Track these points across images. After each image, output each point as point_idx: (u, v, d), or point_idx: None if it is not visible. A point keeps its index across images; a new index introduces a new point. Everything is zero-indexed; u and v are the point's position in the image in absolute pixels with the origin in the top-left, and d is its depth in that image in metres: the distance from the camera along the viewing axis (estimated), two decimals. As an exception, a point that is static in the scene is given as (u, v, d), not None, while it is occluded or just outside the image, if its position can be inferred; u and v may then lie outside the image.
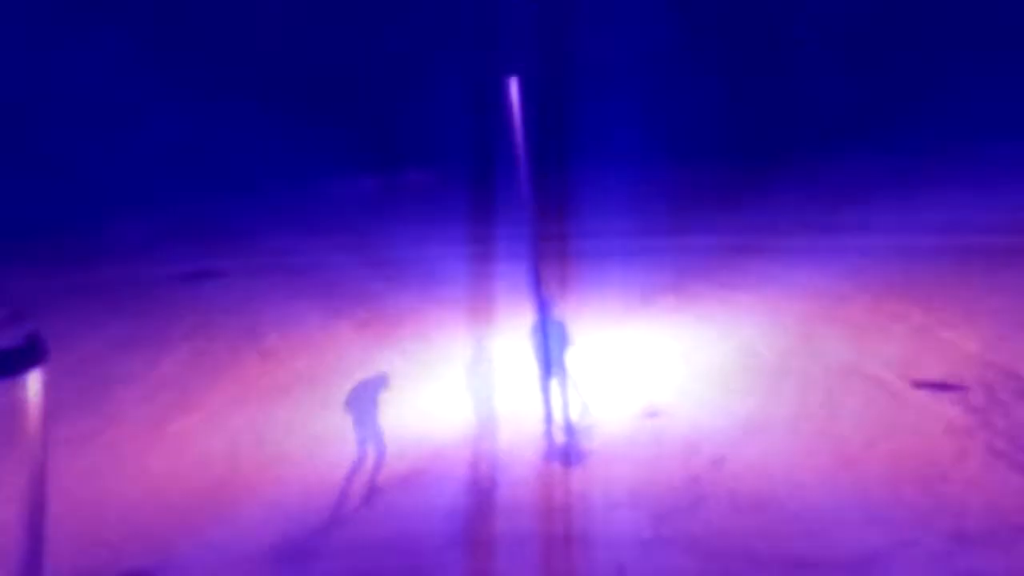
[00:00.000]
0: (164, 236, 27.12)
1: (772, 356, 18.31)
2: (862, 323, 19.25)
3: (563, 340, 15.90)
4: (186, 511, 14.68)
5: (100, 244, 26.93)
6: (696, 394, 17.17)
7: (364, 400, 15.32)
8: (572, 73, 29.61)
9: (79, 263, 25.60)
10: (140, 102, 31.28)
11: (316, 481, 15.33)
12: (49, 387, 9.43)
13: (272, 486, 15.31)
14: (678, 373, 17.95)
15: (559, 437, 15.46)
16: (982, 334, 18.23)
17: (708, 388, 17.33)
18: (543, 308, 15.76)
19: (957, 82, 29.80)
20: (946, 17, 30.48)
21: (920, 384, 16.74)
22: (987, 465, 14.09)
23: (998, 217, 23.29)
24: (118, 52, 31.14)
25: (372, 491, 14.86)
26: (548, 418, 15.55)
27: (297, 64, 32.75)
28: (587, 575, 12.66)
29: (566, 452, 15.29)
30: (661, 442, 15.75)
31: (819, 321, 19.53)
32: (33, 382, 9.34)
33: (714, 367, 18.02)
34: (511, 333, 18.08)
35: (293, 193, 28.84)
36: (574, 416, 15.87)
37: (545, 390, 15.51)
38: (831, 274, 21.39)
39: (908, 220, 23.71)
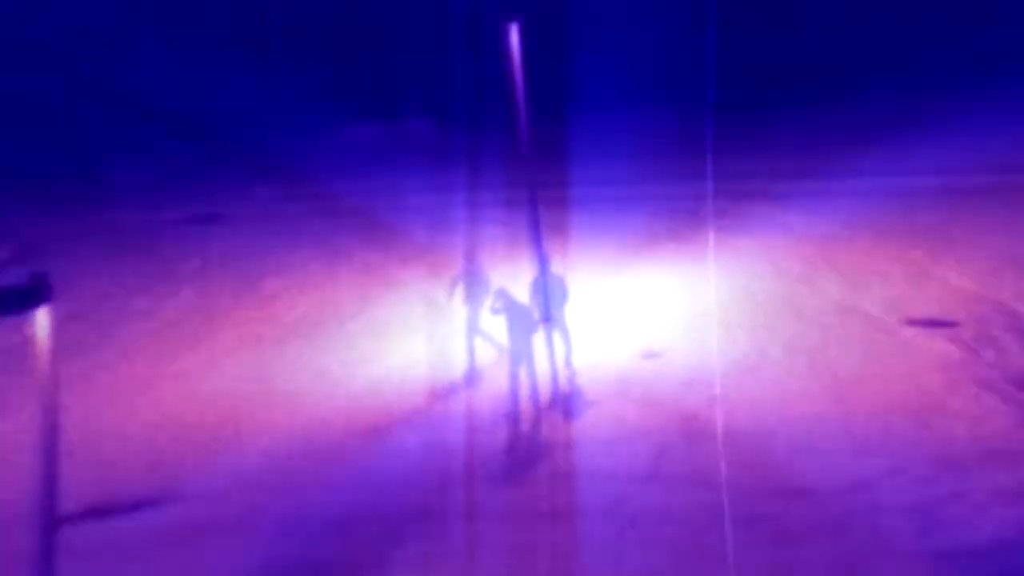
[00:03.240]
0: (165, 181, 27.14)
1: (768, 297, 18.53)
2: (858, 264, 19.44)
3: (562, 293, 16.03)
4: (192, 443, 14.96)
5: (101, 188, 26.99)
6: (693, 335, 17.38)
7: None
8: (569, 17, 29.46)
9: (81, 207, 25.67)
10: (142, 48, 31.20)
11: (321, 419, 15.58)
12: (56, 326, 9.59)
13: (274, 421, 15.58)
14: (675, 315, 18.14)
15: (559, 382, 15.66)
16: (976, 271, 18.44)
17: (705, 329, 17.50)
18: (542, 260, 15.93)
19: (959, 24, 29.69)
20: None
21: (913, 321, 16.98)
22: (976, 397, 14.38)
23: (995, 156, 23.34)
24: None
25: (377, 429, 15.12)
26: (551, 363, 15.72)
27: (296, 10, 32.59)
28: (587, 510, 12.91)
29: (566, 396, 15.52)
30: (658, 382, 16.00)
31: (816, 263, 19.72)
32: (40, 319, 9.51)
33: (711, 309, 18.17)
34: (513, 282, 18.25)
35: (292, 140, 28.78)
36: (572, 363, 16.02)
37: (547, 338, 15.69)
38: (828, 217, 21.50)
39: (904, 162, 23.73)
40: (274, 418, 15.68)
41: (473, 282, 16.45)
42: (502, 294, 15.48)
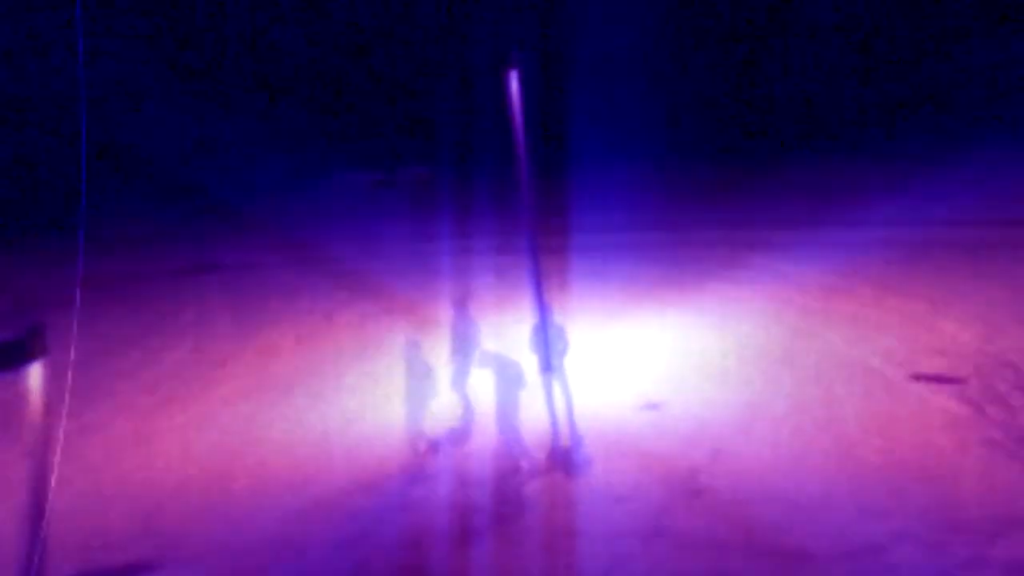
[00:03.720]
0: (164, 231, 27.13)
1: (770, 349, 18.37)
2: (860, 316, 19.31)
3: (562, 342, 15.86)
4: (188, 504, 14.72)
5: (101, 238, 26.92)
6: (694, 387, 17.23)
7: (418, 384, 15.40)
8: (569, 68, 29.64)
9: (80, 256, 25.55)
10: (142, 97, 31.33)
11: (317, 474, 15.37)
12: (50, 380, 9.43)
13: (273, 479, 15.36)
14: (676, 366, 18.00)
15: (559, 434, 15.46)
16: (980, 326, 18.31)
17: (706, 381, 17.40)
18: (543, 309, 15.79)
19: (957, 83, 29.90)
20: (942, 17, 30.55)
21: (918, 376, 16.81)
22: (984, 456, 14.17)
23: (995, 211, 23.36)
24: (120, 48, 31.17)
25: (373, 486, 14.92)
26: (551, 415, 15.53)
27: (295, 61, 32.79)
28: (586, 569, 12.68)
29: (567, 449, 15.32)
30: (659, 435, 15.81)
31: (817, 314, 19.60)
32: (34, 375, 9.36)
33: (712, 360, 18.09)
34: (512, 330, 18.12)
35: (291, 188, 28.86)
36: (573, 415, 15.82)
37: (547, 389, 15.50)
38: (829, 268, 21.44)
39: (906, 215, 23.76)
40: (269, 474, 15.45)
41: (465, 334, 16.29)
42: (486, 352, 15.40)
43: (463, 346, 16.22)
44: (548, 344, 15.60)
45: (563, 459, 15.10)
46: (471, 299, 17.48)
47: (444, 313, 18.04)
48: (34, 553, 9.34)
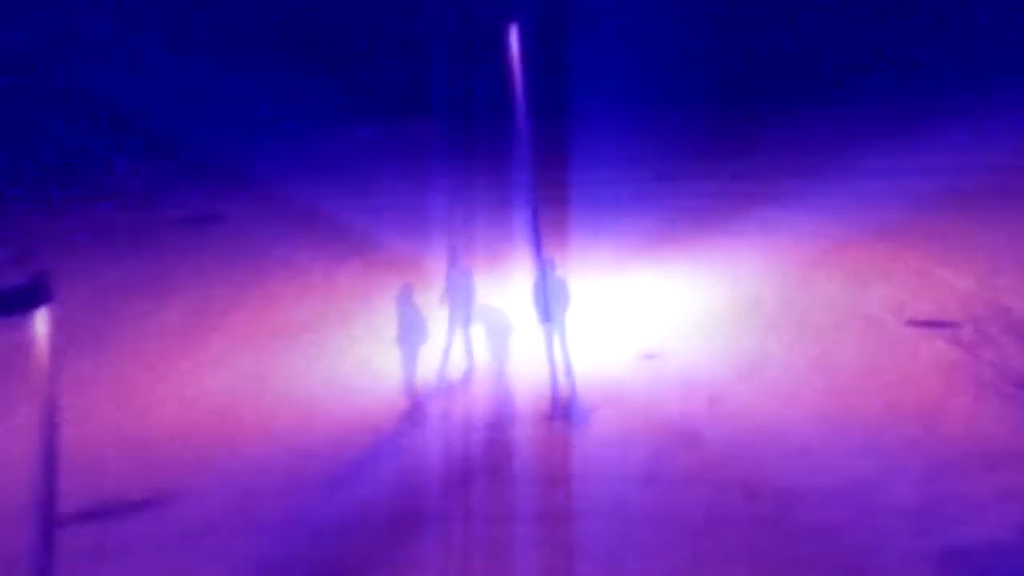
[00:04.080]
0: (167, 180, 27.13)
1: (767, 299, 18.48)
2: (858, 265, 19.38)
3: (563, 295, 15.98)
4: (191, 446, 14.98)
5: (106, 187, 27.01)
6: (693, 336, 17.38)
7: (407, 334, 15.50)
8: (567, 16, 29.43)
9: (85, 205, 25.70)
10: (146, 48, 31.18)
11: (319, 419, 15.60)
12: (57, 326, 9.58)
13: (276, 424, 15.57)
14: (675, 317, 18.11)
15: (558, 383, 15.63)
16: (975, 272, 18.40)
17: (705, 330, 17.53)
18: (542, 261, 15.91)
19: (957, 26, 29.64)
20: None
21: (913, 322, 16.96)
22: (976, 396, 14.37)
23: (994, 158, 23.29)
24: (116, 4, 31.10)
25: (377, 432, 15.11)
26: (549, 365, 15.69)
27: (297, 12, 32.59)
28: (585, 509, 12.89)
29: (567, 400, 15.50)
30: (658, 383, 15.99)
31: (816, 264, 19.66)
32: (40, 320, 9.49)
33: (711, 310, 18.20)
34: (513, 282, 18.24)
35: (294, 141, 28.78)
36: (572, 365, 15.96)
37: (548, 342, 15.65)
38: (828, 218, 21.43)
39: (906, 164, 23.67)
40: (272, 419, 15.68)
41: (458, 286, 16.43)
42: (482, 303, 15.48)
43: (457, 297, 16.35)
44: (547, 295, 15.76)
45: (561, 407, 15.30)
46: (463, 251, 17.59)
47: (441, 264, 18.16)
48: (41, 491, 9.53)
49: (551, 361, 15.54)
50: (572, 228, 21.48)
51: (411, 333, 15.69)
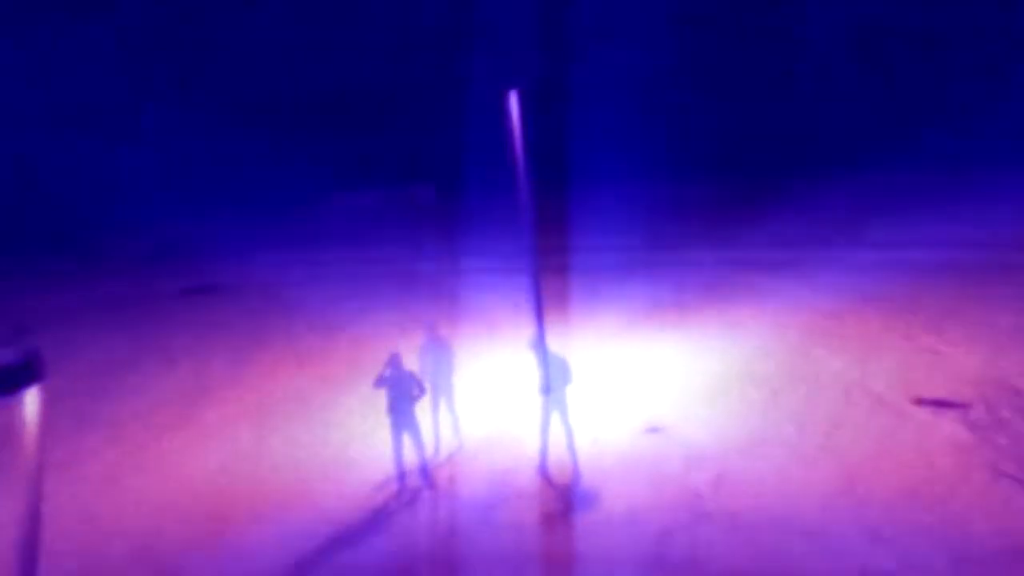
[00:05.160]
0: (164, 252, 27.06)
1: (773, 372, 18.25)
2: (863, 339, 19.19)
3: (564, 370, 15.71)
4: (186, 531, 14.57)
5: (99, 260, 26.88)
6: (696, 410, 17.10)
7: (399, 400, 15.17)
8: (573, 89, 29.61)
9: (78, 279, 25.55)
10: (141, 120, 31.28)
11: (316, 498, 15.24)
12: (47, 404, 9.32)
13: (271, 504, 15.22)
14: (679, 389, 17.87)
15: (561, 458, 15.34)
16: (984, 350, 18.19)
17: (709, 405, 17.27)
18: (542, 332, 15.69)
19: (961, 103, 29.81)
20: (948, 41, 30.44)
21: (922, 401, 16.67)
22: (990, 484, 14.01)
23: (1000, 234, 23.24)
24: (118, 70, 31.19)
25: (368, 511, 14.77)
26: (544, 440, 15.41)
27: (296, 81, 32.79)
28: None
29: (567, 472, 15.20)
30: (662, 459, 15.67)
31: (820, 337, 19.48)
32: (31, 400, 9.25)
33: (715, 383, 17.96)
34: (511, 352, 18.02)
35: (293, 208, 28.80)
36: (573, 440, 15.68)
37: (545, 415, 15.38)
38: (832, 289, 21.33)
39: (911, 236, 23.66)
40: (264, 500, 15.31)
41: (437, 357, 16.14)
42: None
43: (436, 370, 16.04)
44: (547, 366, 15.51)
45: (561, 484, 14.98)
46: (444, 321, 17.40)
47: (449, 331, 17.96)
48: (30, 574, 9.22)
49: (544, 435, 15.25)
50: (573, 297, 21.37)
51: (402, 403, 15.29)
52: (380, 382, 15.26)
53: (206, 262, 25.40)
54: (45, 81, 31.42)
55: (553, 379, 15.31)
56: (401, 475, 15.23)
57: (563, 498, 14.78)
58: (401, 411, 15.14)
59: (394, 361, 15.37)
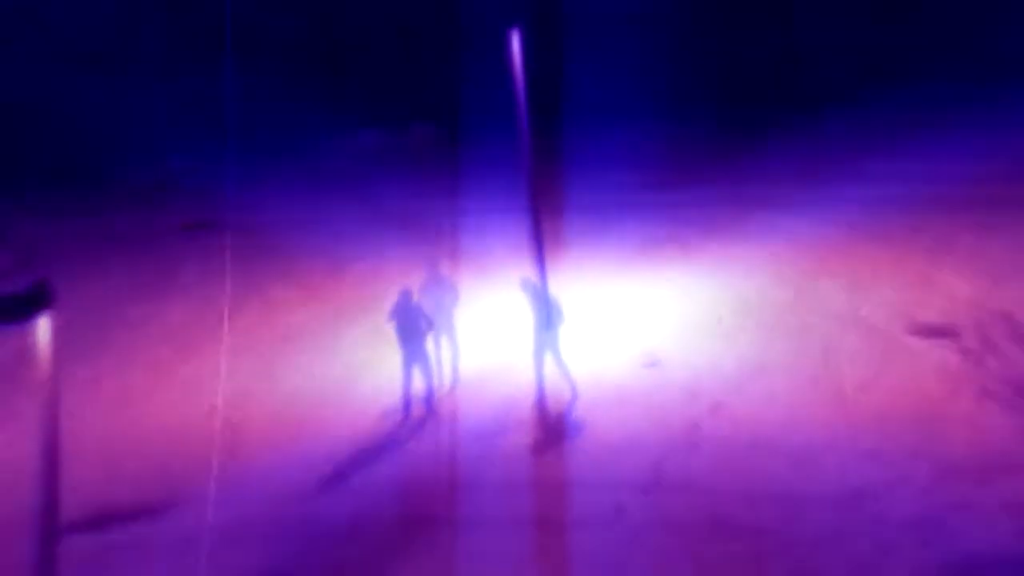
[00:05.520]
0: (167, 186, 27.12)
1: (769, 305, 18.44)
2: (860, 272, 19.31)
3: (556, 312, 15.91)
4: (196, 451, 14.94)
5: (105, 192, 26.98)
6: (694, 343, 17.35)
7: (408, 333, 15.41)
8: (567, 24, 29.41)
9: (84, 211, 25.68)
10: (140, 53, 31.15)
11: (322, 426, 15.62)
12: (57, 332, 9.60)
13: (275, 430, 15.59)
14: (677, 323, 18.07)
15: (559, 390, 15.62)
16: (978, 279, 18.31)
17: (706, 337, 17.51)
18: (543, 270, 15.91)
19: (965, 26, 29.49)
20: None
21: (916, 329, 16.92)
22: (978, 404, 14.35)
23: (997, 165, 23.24)
24: (122, 7, 31.03)
25: (377, 438, 15.11)
26: (540, 373, 15.68)
27: (295, 18, 32.56)
28: (586, 517, 12.87)
29: (564, 404, 15.50)
30: (660, 389, 15.98)
31: (817, 270, 19.59)
32: (42, 327, 9.53)
33: (712, 317, 18.16)
34: (511, 290, 18.21)
35: (294, 147, 28.77)
36: (570, 373, 15.92)
37: (544, 348, 15.62)
38: (830, 224, 21.34)
39: (908, 169, 23.62)
40: (271, 427, 15.70)
41: (440, 295, 16.39)
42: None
43: (438, 309, 16.27)
44: (548, 303, 15.76)
45: (558, 414, 15.29)
46: (448, 260, 17.60)
47: (450, 269, 18.18)
48: (43, 499, 9.55)
49: (538, 368, 15.57)
50: (572, 235, 21.48)
51: (411, 336, 15.58)
52: (392, 315, 15.59)
53: (208, 199, 25.41)
54: (46, 19, 31.33)
55: (542, 318, 15.50)
56: (407, 404, 15.56)
57: (560, 427, 15.11)
58: (410, 343, 15.43)
59: (404, 296, 15.65)
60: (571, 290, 18.68)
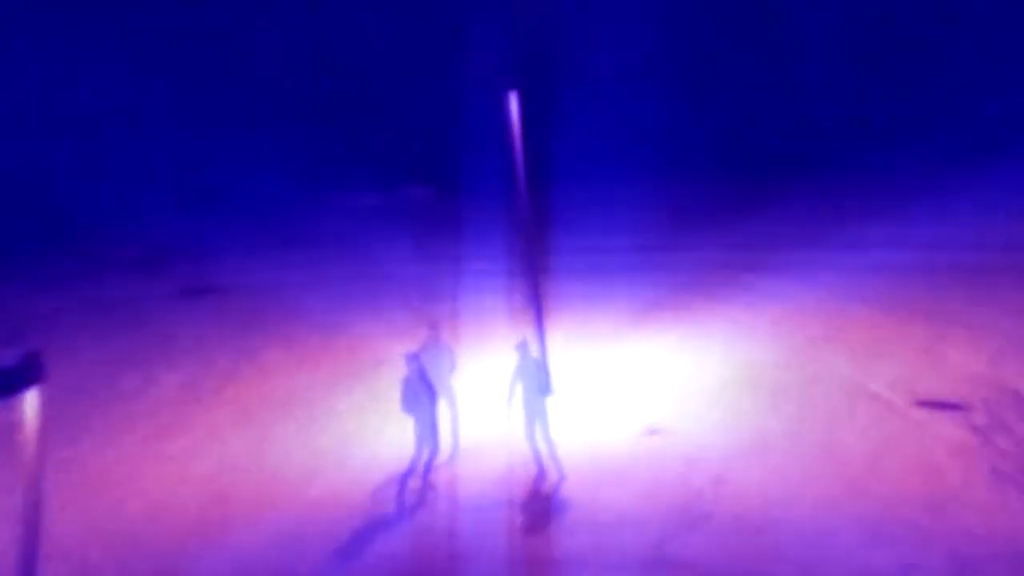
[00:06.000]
0: (160, 254, 26.98)
1: (772, 374, 18.24)
2: (864, 341, 19.19)
3: (544, 379, 15.61)
4: (185, 533, 14.56)
5: (96, 261, 26.84)
6: (696, 412, 17.10)
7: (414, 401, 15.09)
8: (567, 87, 29.59)
9: (76, 281, 25.53)
10: (136, 119, 31.24)
11: (315, 501, 15.25)
12: (46, 406, 9.32)
13: (271, 506, 15.22)
14: (678, 391, 17.85)
15: (551, 461, 15.32)
16: (985, 352, 18.19)
17: (708, 406, 17.28)
18: (543, 335, 15.69)
19: (961, 96, 29.77)
20: (947, 36, 30.45)
21: (923, 403, 16.68)
22: (991, 487, 14.03)
23: (1003, 233, 23.25)
24: (115, 71, 31.13)
25: (372, 510, 14.78)
26: (533, 444, 15.37)
27: (295, 80, 32.77)
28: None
29: (555, 476, 15.21)
30: (662, 460, 15.68)
31: (820, 339, 19.47)
32: (30, 401, 9.24)
33: (714, 385, 17.96)
34: (506, 355, 17.96)
35: (292, 209, 28.76)
36: (555, 448, 15.50)
37: (531, 417, 15.31)
38: (832, 290, 21.30)
39: (910, 235, 23.64)
40: (262, 503, 15.31)
41: (439, 360, 16.08)
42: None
43: (436, 373, 15.94)
44: (544, 369, 15.53)
45: (555, 487, 14.97)
46: (445, 324, 17.40)
47: (448, 334, 17.94)
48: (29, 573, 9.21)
49: (532, 439, 15.22)
50: (569, 298, 21.37)
51: (416, 405, 15.12)
52: (403, 382, 15.13)
53: (204, 263, 25.31)
54: (40, 87, 31.45)
55: (532, 387, 15.20)
56: (405, 476, 15.19)
57: (559, 501, 14.78)
58: (416, 411, 14.98)
59: (412, 361, 15.17)
60: (569, 354, 18.56)
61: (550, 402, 15.42)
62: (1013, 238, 22.93)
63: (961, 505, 13.78)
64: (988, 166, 26.70)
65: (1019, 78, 29.68)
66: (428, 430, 14.96)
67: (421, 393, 14.90)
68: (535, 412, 15.19)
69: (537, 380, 15.24)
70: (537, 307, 17.64)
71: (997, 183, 25.65)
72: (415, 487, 15.07)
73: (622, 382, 18.20)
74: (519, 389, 15.21)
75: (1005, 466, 14.38)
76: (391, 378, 18.03)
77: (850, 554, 12.91)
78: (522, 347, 15.45)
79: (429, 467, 15.14)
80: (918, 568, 12.52)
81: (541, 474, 15.24)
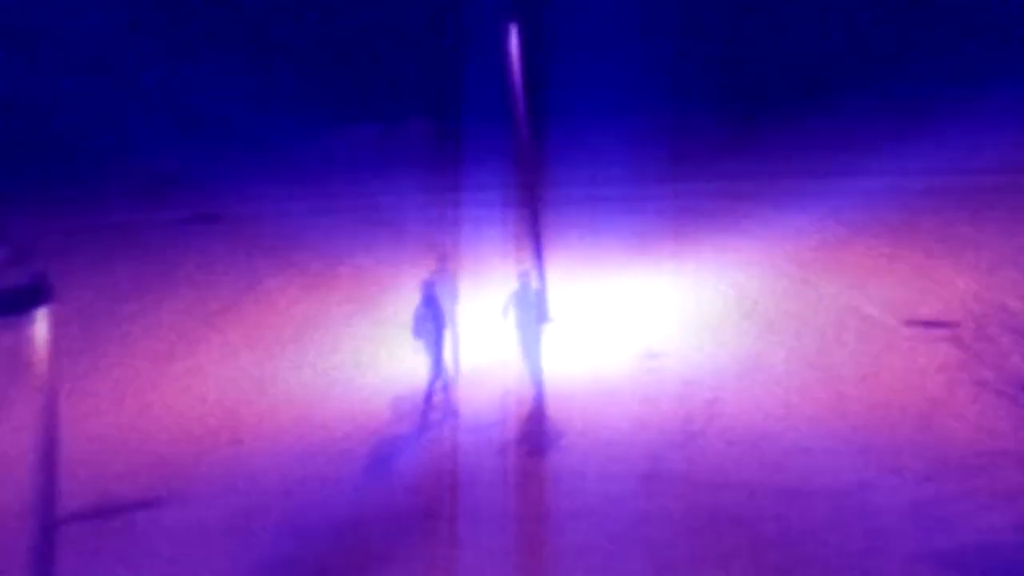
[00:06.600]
0: (164, 181, 27.07)
1: (768, 298, 18.45)
2: (857, 265, 19.35)
3: (541, 308, 15.88)
4: (192, 446, 15.00)
5: (101, 188, 26.97)
6: (693, 337, 17.34)
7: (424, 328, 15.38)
8: (565, 20, 29.34)
9: (81, 206, 25.69)
10: (141, 49, 31.09)
11: (321, 420, 15.64)
12: (56, 326, 9.63)
13: (273, 424, 15.60)
14: (675, 317, 18.08)
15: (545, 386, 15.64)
16: (975, 271, 18.38)
17: (705, 331, 17.51)
18: (542, 265, 15.90)
19: (958, 23, 29.44)
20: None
21: (913, 322, 16.94)
22: (975, 396, 14.34)
23: (992, 157, 23.24)
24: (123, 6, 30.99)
25: (375, 432, 15.13)
26: (535, 367, 15.68)
27: (295, 12, 32.51)
28: (583, 507, 12.90)
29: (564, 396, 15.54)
30: (660, 382, 15.98)
31: (814, 264, 19.62)
32: (40, 320, 9.56)
33: (710, 311, 18.17)
34: (508, 284, 18.23)
35: (293, 141, 28.73)
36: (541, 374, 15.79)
37: (529, 342, 15.60)
38: (827, 218, 21.38)
39: (903, 163, 23.62)
40: (269, 420, 15.70)
41: (444, 287, 16.36)
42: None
43: (437, 309, 16.23)
44: (542, 298, 15.77)
45: (554, 407, 15.31)
46: (450, 256, 17.62)
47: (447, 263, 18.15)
48: (43, 491, 9.58)
49: (531, 363, 15.54)
50: (570, 229, 21.50)
51: (426, 327, 15.42)
52: (416, 310, 15.40)
53: (206, 192, 25.37)
54: (44, 22, 31.39)
55: (530, 315, 15.47)
56: (420, 397, 15.51)
57: (558, 420, 15.11)
58: (426, 338, 15.33)
59: (427, 288, 15.45)
60: (569, 284, 18.80)
61: (548, 329, 15.73)
62: (1005, 161, 22.91)
63: (945, 414, 14.15)
64: (985, 89, 26.53)
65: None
66: (434, 355, 15.34)
67: (429, 320, 15.25)
68: (536, 336, 15.51)
69: (536, 308, 15.54)
70: (536, 237, 17.85)
71: (992, 106, 25.54)
72: (419, 408, 15.45)
73: (621, 310, 18.42)
74: (517, 316, 15.51)
75: (988, 376, 14.64)
76: (396, 305, 18.47)
77: (840, 462, 13.28)
78: (523, 276, 15.74)
79: (431, 389, 15.52)
80: (901, 473, 12.91)
81: (540, 396, 15.56)
